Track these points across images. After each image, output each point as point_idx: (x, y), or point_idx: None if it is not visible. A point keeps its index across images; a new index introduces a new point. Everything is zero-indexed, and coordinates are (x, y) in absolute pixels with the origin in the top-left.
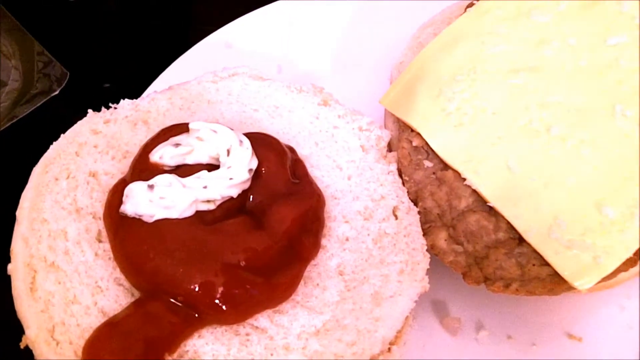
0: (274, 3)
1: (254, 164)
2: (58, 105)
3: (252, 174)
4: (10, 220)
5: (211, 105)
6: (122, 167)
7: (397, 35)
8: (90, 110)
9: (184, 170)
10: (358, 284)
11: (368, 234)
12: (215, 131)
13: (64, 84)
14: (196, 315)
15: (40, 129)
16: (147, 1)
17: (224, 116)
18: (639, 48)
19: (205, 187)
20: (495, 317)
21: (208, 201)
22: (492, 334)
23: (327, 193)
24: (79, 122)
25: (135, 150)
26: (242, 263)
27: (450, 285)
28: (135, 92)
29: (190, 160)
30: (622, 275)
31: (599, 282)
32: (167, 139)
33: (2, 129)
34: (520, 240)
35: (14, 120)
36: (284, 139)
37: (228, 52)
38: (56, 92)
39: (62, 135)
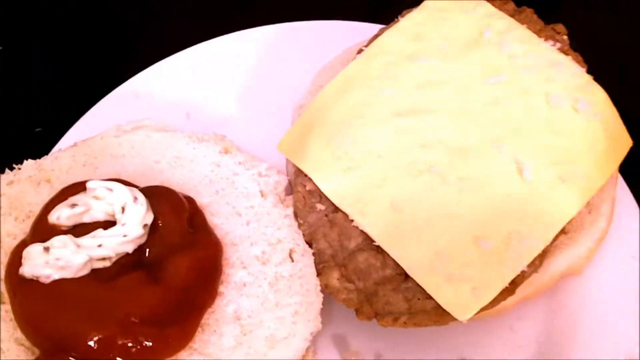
0: (180, 52)
1: (149, 218)
2: None
3: (147, 229)
4: None
5: (114, 160)
6: (24, 228)
7: (301, 78)
8: None
9: (80, 230)
10: (254, 328)
11: (265, 278)
12: (110, 189)
13: None
14: None
15: None
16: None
17: (126, 170)
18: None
19: (99, 246)
20: (393, 348)
21: (103, 259)
22: None
23: (226, 240)
24: None
25: (37, 210)
26: (137, 318)
27: (349, 319)
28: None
29: (87, 219)
30: (505, 302)
31: (479, 312)
32: (66, 199)
33: None
34: (406, 276)
35: None
36: (185, 188)
37: (137, 103)
38: None
39: None
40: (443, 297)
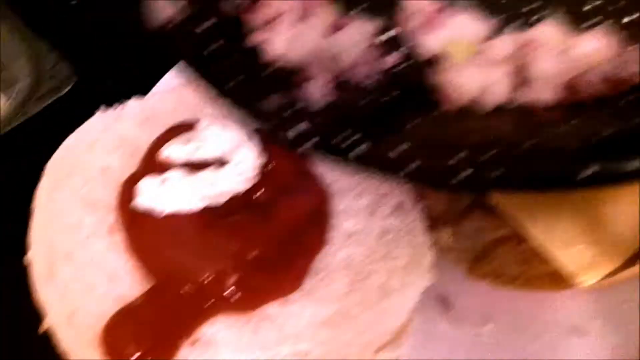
0: None
1: (263, 159)
2: (66, 104)
3: (260, 169)
4: (25, 213)
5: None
6: (132, 163)
7: None
8: (101, 107)
9: (193, 166)
10: (364, 277)
11: (372, 230)
12: (224, 128)
13: (72, 83)
14: (209, 303)
15: (50, 127)
16: None
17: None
18: None
19: (214, 183)
20: (500, 311)
21: (217, 196)
22: (497, 327)
23: (331, 189)
24: (89, 121)
25: (144, 147)
26: (252, 255)
27: (454, 279)
28: (142, 91)
29: (199, 156)
30: (623, 273)
31: (599, 280)
32: (176, 136)
33: (12, 126)
34: (523, 237)
35: (23, 119)
36: None
37: None
38: (65, 91)
39: (72, 133)
40: (562, 261)
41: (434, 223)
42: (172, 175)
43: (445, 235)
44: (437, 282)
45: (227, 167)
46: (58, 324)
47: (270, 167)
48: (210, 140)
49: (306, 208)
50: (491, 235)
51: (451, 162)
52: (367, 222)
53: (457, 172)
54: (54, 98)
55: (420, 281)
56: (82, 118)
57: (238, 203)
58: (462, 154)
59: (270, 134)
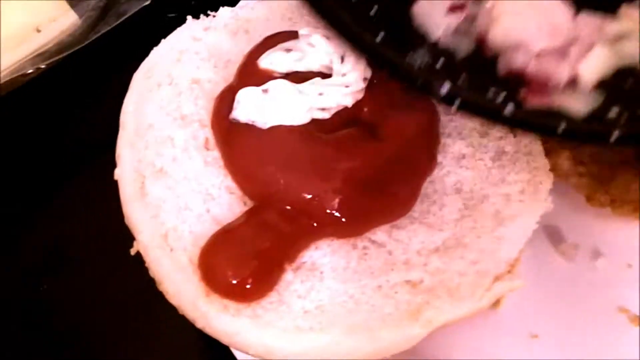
0: None
1: (369, 72)
2: (148, 15)
3: (366, 83)
4: (113, 125)
5: (311, 17)
6: (225, 75)
7: None
8: (189, 17)
9: (294, 77)
10: (477, 202)
11: (486, 152)
12: (327, 37)
13: None
14: (313, 225)
15: (136, 36)
16: None
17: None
18: None
19: (320, 94)
20: (613, 245)
21: (323, 109)
22: (611, 261)
23: (439, 108)
24: (179, 29)
25: (237, 58)
26: (360, 174)
27: (565, 210)
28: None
29: (301, 67)
30: None
31: None
32: (275, 45)
33: (93, 39)
34: None
35: (104, 31)
36: None
37: None
38: (147, 3)
39: (162, 40)
40: None
41: (552, 145)
42: (274, 85)
43: (564, 158)
44: (551, 212)
45: (332, 79)
46: (150, 246)
47: (376, 81)
48: (313, 50)
49: (415, 126)
50: (612, 158)
51: None
52: (480, 143)
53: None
54: (136, 10)
55: (537, 209)
56: (168, 30)
57: (345, 118)
58: None
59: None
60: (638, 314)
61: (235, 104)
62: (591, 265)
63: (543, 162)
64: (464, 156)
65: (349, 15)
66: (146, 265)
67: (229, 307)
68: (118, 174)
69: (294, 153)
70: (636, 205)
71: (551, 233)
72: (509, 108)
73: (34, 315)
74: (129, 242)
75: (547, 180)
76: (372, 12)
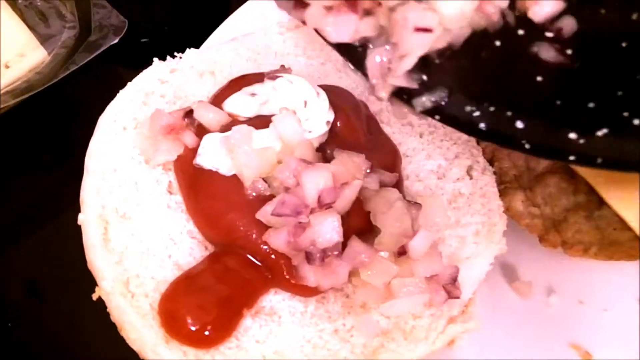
0: None
1: (331, 116)
2: (116, 55)
3: (329, 126)
4: (75, 169)
5: (278, 58)
6: None
7: None
8: (155, 59)
9: (258, 122)
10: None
11: (442, 194)
12: (291, 82)
13: (122, 33)
14: (272, 274)
15: (100, 78)
16: None
17: (291, 69)
18: None
19: None
20: (566, 282)
21: None
22: (563, 298)
23: (399, 149)
24: (145, 71)
25: (203, 100)
26: None
27: (519, 249)
28: (194, 43)
29: (266, 111)
30: None
31: None
32: (239, 89)
33: (61, 77)
34: (601, 203)
35: (73, 69)
36: (354, 94)
37: None
38: (115, 41)
39: (128, 83)
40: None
41: (506, 188)
42: (239, 129)
43: (518, 200)
44: (507, 250)
45: None
46: (112, 292)
47: (339, 124)
48: (277, 94)
49: (380, 168)
50: (566, 201)
51: None
52: (436, 186)
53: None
54: (103, 49)
55: (491, 250)
56: (134, 70)
57: None
58: None
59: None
60: (589, 350)
61: (200, 150)
62: (545, 302)
63: (497, 204)
64: (421, 198)
65: None
66: (108, 310)
67: (188, 353)
68: (82, 219)
69: (256, 202)
70: (587, 245)
71: (506, 271)
72: (482, 124)
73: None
74: (93, 285)
75: (500, 222)
76: None
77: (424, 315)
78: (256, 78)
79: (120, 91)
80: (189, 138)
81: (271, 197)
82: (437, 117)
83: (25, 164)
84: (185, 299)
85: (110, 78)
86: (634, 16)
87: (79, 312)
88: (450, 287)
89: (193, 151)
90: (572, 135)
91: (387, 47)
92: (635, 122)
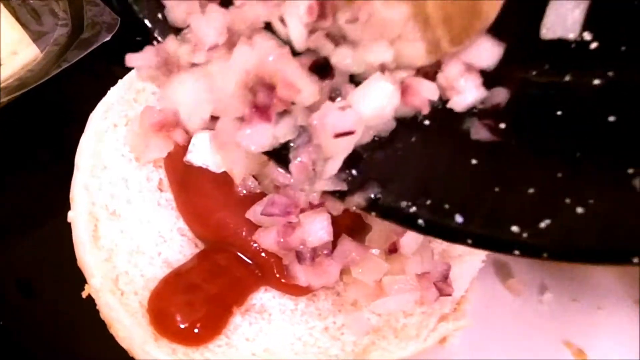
0: None
1: None
2: (108, 52)
3: None
4: (67, 166)
5: None
6: None
7: None
8: None
9: None
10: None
11: None
12: None
13: (114, 31)
14: (262, 272)
15: (92, 76)
16: None
17: None
18: None
19: None
20: (559, 280)
21: None
22: (557, 296)
23: None
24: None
25: None
26: None
27: None
28: None
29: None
30: None
31: None
32: None
33: (53, 74)
34: None
35: (65, 66)
36: None
37: None
38: (107, 39)
39: (119, 80)
40: None
41: None
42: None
43: None
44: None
45: None
46: (101, 290)
47: None
48: None
49: None
50: None
51: None
52: None
53: None
54: (95, 46)
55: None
56: (127, 68)
57: None
58: None
59: None
60: (583, 348)
61: (191, 147)
62: (538, 300)
63: None
64: None
65: None
66: (97, 308)
67: (177, 350)
68: (71, 217)
69: (246, 199)
70: None
71: (499, 268)
72: (420, 220)
73: None
74: (84, 283)
75: None
76: None
77: (415, 313)
78: None
79: (111, 88)
80: (180, 135)
81: (262, 194)
82: (373, 213)
83: (17, 162)
84: (175, 296)
85: (103, 75)
86: (567, 78)
87: (71, 310)
88: (442, 285)
89: (184, 148)
90: (515, 229)
91: (310, 148)
92: (579, 210)
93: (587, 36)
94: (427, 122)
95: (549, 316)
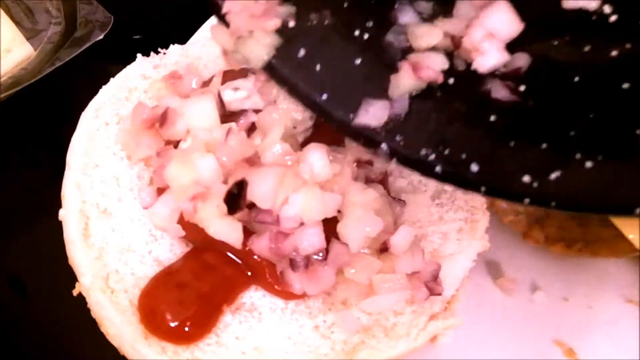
0: None
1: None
2: (102, 51)
3: (313, 120)
4: (59, 164)
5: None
6: None
7: None
8: (139, 55)
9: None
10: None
11: (425, 190)
12: None
13: (107, 29)
14: (252, 271)
15: (85, 74)
16: None
17: None
18: None
19: None
20: (550, 279)
21: None
22: (548, 295)
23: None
24: (129, 67)
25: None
26: None
27: (504, 246)
28: (180, 39)
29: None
30: None
31: None
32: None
33: (46, 72)
34: None
35: (58, 65)
36: None
37: None
38: (100, 37)
39: (111, 79)
40: (628, 226)
41: None
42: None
43: None
44: (491, 247)
45: None
46: (92, 288)
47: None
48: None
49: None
50: None
51: None
52: (420, 182)
53: None
54: (88, 45)
55: (474, 247)
56: (120, 66)
57: None
58: None
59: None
60: (573, 347)
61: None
62: (529, 299)
63: (480, 201)
64: (404, 194)
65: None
66: (88, 306)
67: (167, 349)
68: (62, 215)
69: None
70: (570, 242)
71: (490, 267)
72: (438, 167)
73: None
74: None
75: (483, 219)
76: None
77: (406, 311)
78: (241, 73)
79: (103, 87)
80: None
81: None
82: (394, 159)
83: (10, 160)
84: (165, 294)
85: (96, 74)
86: (586, 48)
87: (62, 308)
88: (432, 284)
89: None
90: (526, 179)
91: None
92: (588, 164)
93: (607, 9)
94: (451, 81)
95: (540, 315)
